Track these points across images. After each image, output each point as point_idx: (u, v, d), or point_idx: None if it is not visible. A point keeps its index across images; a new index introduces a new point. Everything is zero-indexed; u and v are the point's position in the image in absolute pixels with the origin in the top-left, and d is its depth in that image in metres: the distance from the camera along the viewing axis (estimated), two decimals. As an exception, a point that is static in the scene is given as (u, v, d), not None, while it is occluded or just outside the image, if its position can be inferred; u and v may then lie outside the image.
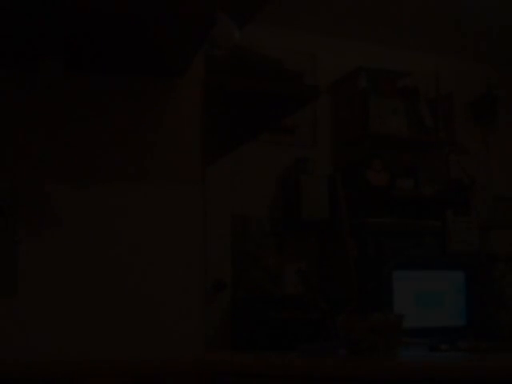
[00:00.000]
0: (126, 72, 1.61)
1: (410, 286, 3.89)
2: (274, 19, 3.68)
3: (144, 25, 1.36)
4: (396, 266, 3.75)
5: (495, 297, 4.24)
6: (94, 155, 1.60)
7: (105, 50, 1.49)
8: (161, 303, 1.59)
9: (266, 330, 1.99)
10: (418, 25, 4.15)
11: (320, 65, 4.25)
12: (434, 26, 4.17)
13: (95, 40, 1.42)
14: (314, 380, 1.46)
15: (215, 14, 1.37)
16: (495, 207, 4.39)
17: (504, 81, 4.68)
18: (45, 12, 1.27)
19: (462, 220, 4.09)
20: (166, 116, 1.65)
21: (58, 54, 1.46)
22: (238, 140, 2.20)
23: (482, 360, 1.64)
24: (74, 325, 1.53)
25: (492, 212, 4.33)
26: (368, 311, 1.53)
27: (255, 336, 1.98)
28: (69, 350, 1.52)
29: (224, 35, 1.71)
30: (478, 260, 4.13)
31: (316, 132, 4.25)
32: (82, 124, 1.60)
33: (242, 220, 3.91)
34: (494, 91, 4.63)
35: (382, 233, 3.93)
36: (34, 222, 1.53)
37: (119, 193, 1.60)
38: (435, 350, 1.86)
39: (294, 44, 4.12)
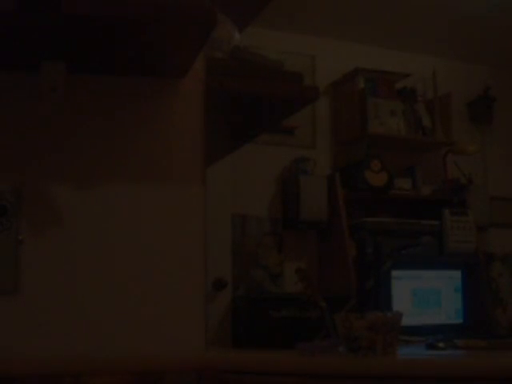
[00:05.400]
0: (126, 73, 1.61)
1: (408, 284, 3.91)
2: (274, 21, 3.69)
3: (145, 26, 1.37)
4: (394, 265, 3.76)
5: (492, 295, 4.26)
6: (95, 155, 1.61)
7: (105, 51, 1.49)
8: (162, 302, 1.60)
9: (266, 329, 2.00)
10: (416, 26, 4.17)
11: (318, 66, 4.27)
12: (432, 27, 4.18)
13: (96, 41, 1.43)
14: (313, 378, 1.47)
15: (216, 15, 1.38)
16: (492, 207, 4.41)
17: (500, 82, 4.70)
18: (45, 14, 1.28)
19: (460, 219, 4.11)
20: (166, 117, 1.66)
21: (59, 55, 1.47)
22: (238, 140, 2.21)
23: (478, 358, 1.66)
24: (74, 323, 1.53)
25: (489, 211, 4.35)
26: (366, 310, 1.54)
27: (255, 334, 2.00)
28: (69, 348, 1.52)
29: (224, 37, 1.72)
30: (476, 259, 4.15)
31: (315, 133, 4.27)
32: (82, 124, 1.61)
33: (241, 220, 3.93)
34: (491, 92, 4.65)
35: (381, 232, 3.94)
36: (37, 221, 1.55)
37: (120, 193, 1.61)
38: (433, 348, 1.88)
39: (293, 45, 4.13)
